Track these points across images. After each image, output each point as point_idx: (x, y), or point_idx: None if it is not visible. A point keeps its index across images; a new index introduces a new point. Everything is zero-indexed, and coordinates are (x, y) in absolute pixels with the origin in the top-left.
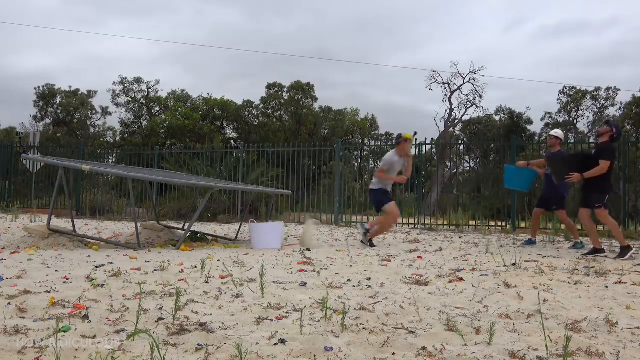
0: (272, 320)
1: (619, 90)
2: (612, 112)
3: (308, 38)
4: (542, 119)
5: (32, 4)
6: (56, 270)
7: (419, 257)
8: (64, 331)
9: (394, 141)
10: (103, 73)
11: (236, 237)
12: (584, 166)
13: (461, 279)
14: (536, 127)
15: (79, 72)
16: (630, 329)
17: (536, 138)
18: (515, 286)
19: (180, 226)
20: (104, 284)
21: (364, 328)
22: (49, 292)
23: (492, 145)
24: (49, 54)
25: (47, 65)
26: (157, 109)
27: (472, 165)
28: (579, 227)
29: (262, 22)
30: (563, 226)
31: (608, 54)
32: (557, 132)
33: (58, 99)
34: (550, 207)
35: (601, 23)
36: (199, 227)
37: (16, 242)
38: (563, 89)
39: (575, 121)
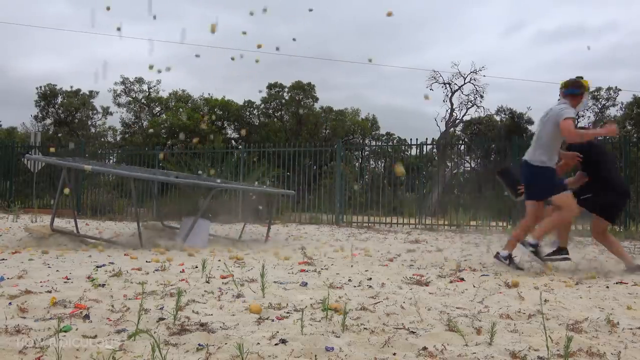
0: (272, 321)
1: (620, 90)
2: (613, 112)
3: (311, 42)
4: None
5: (44, 9)
6: (57, 270)
7: (420, 257)
8: (65, 331)
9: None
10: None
11: (239, 237)
12: None
13: (462, 279)
14: None
15: (85, 75)
16: (631, 329)
17: None
18: (516, 286)
19: None
20: (104, 284)
21: (365, 328)
22: (50, 292)
23: (493, 146)
24: (56, 57)
25: (53, 67)
26: (158, 109)
27: (473, 165)
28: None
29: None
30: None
31: (607, 58)
32: None
33: (59, 99)
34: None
35: (600, 27)
36: None
37: (17, 242)
38: None
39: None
